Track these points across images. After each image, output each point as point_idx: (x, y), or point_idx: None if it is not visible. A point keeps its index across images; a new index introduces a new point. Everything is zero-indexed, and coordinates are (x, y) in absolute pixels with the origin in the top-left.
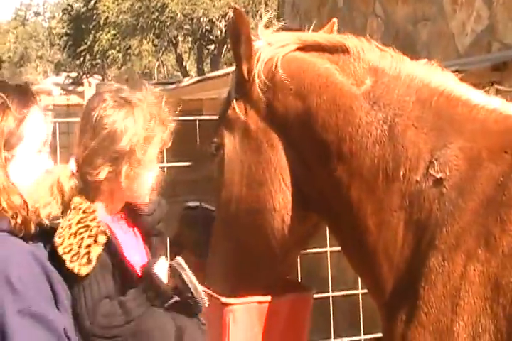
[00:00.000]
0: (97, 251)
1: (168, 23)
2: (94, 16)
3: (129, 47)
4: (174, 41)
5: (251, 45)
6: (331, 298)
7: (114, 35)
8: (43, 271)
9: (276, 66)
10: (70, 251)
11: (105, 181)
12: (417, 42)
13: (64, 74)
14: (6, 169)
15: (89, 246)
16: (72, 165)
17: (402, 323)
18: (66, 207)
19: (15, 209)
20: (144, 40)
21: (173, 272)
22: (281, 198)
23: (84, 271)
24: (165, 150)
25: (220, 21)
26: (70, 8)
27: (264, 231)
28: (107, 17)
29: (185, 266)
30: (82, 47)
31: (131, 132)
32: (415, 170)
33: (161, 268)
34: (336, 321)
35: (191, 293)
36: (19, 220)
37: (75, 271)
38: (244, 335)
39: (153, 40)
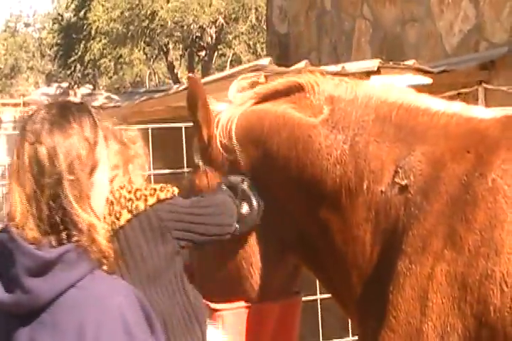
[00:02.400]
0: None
1: (158, 31)
2: (85, 26)
3: (120, 56)
4: (165, 49)
5: (208, 111)
6: (319, 301)
7: (105, 44)
8: (145, 316)
9: (231, 128)
10: (155, 190)
11: None
12: (406, 43)
13: (55, 84)
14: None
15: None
16: None
17: (373, 329)
18: None
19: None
20: (134, 49)
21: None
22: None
23: (176, 189)
24: (151, 158)
25: (211, 27)
26: (60, 17)
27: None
28: (98, 26)
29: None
30: (72, 58)
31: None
32: (379, 181)
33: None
34: (329, 323)
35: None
36: (98, 245)
37: (170, 192)
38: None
39: (144, 48)
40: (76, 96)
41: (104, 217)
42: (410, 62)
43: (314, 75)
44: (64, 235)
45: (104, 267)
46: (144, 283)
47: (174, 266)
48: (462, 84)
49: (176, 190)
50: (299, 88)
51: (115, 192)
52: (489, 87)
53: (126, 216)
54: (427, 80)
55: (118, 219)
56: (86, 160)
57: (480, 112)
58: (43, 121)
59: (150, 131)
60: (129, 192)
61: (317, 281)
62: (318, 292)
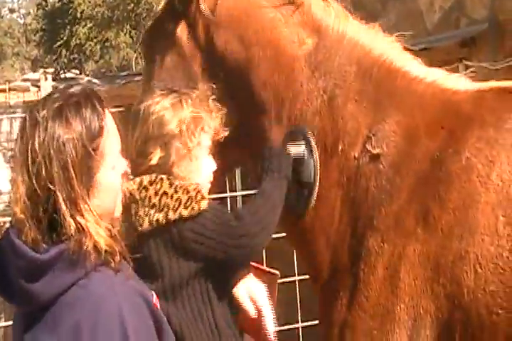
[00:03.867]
0: (204, 191)
1: (144, 15)
2: (70, 10)
3: (106, 40)
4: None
5: None
6: (297, 282)
7: (90, 28)
8: (154, 321)
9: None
10: (179, 203)
11: (157, 168)
12: (386, 21)
13: (41, 70)
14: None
15: (195, 189)
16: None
17: (343, 307)
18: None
19: (98, 226)
20: (120, 32)
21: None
22: None
23: (204, 203)
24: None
25: None
26: (44, 3)
27: None
28: (83, 10)
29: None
30: (58, 43)
31: (179, 115)
32: (353, 145)
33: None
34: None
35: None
36: (101, 242)
37: (195, 209)
38: None
39: (130, 32)
40: (46, 80)
41: (121, 217)
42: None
43: None
44: (62, 235)
45: (112, 264)
46: (160, 293)
47: (199, 284)
48: (443, 61)
49: (204, 205)
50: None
51: (141, 191)
52: (470, 63)
53: (146, 225)
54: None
55: (141, 225)
56: (83, 159)
57: (455, 83)
58: (44, 116)
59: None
60: (156, 193)
61: (295, 263)
62: (296, 273)
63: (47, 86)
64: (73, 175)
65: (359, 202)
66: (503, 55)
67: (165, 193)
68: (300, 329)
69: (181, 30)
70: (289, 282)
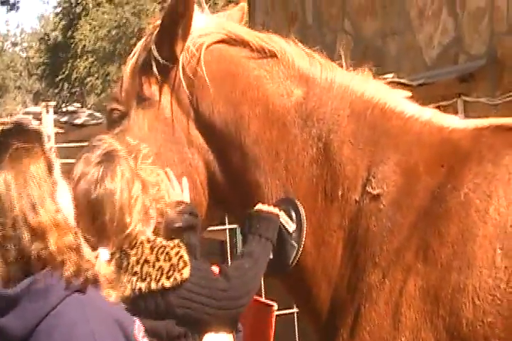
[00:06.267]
0: (185, 252)
1: None
2: (72, 45)
3: (108, 74)
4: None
5: (190, 26)
6: (295, 314)
7: (92, 62)
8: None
9: (199, 61)
10: (161, 273)
11: None
12: (387, 56)
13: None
14: (54, 196)
15: (176, 253)
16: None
17: None
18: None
19: (65, 253)
20: (122, 66)
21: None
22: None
23: (186, 272)
24: None
25: None
26: (47, 37)
27: None
28: (85, 45)
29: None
30: (60, 76)
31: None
32: (353, 189)
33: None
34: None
35: (300, 229)
36: (71, 269)
37: (178, 279)
38: None
39: None
40: (48, 112)
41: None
42: (389, 76)
43: (287, 43)
44: (30, 267)
45: (85, 290)
46: None
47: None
48: (441, 96)
49: (186, 274)
50: (272, 54)
51: (122, 257)
52: (468, 99)
53: (128, 292)
54: (406, 94)
55: (123, 292)
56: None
57: (451, 121)
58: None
59: None
60: (137, 261)
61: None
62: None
63: (48, 119)
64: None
65: (360, 241)
66: (501, 91)
67: (146, 261)
68: None
69: (163, 94)
70: (287, 314)
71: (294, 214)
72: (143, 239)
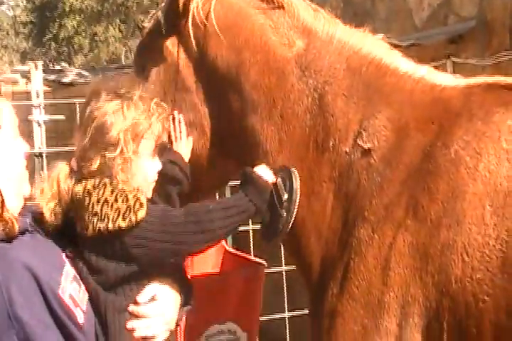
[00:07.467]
0: (143, 196)
1: (134, 8)
2: (59, 4)
3: (95, 34)
4: (141, 26)
5: None
6: (284, 273)
7: (80, 21)
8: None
9: (209, 11)
10: (118, 214)
11: (98, 172)
12: (376, 19)
13: (30, 62)
14: None
15: (134, 196)
16: (74, 164)
17: (333, 297)
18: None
19: None
20: (110, 26)
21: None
22: (200, 143)
23: (141, 213)
24: None
25: None
26: None
27: None
28: (72, 4)
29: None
30: (47, 36)
31: (119, 124)
32: (344, 141)
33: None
34: (300, 294)
35: (290, 199)
36: None
37: (133, 221)
38: None
39: (119, 26)
40: (36, 68)
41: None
42: (379, 37)
43: None
44: None
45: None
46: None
47: (136, 282)
48: (431, 57)
49: (142, 215)
50: (280, 5)
51: (85, 196)
52: (457, 60)
53: (91, 232)
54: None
55: (86, 229)
56: None
57: (443, 79)
58: None
59: None
60: (98, 201)
61: (282, 254)
62: (283, 263)
63: (37, 76)
64: None
65: (351, 195)
66: (490, 52)
67: (106, 202)
68: (287, 318)
69: (173, 44)
70: (276, 272)
71: (288, 184)
72: (106, 181)
